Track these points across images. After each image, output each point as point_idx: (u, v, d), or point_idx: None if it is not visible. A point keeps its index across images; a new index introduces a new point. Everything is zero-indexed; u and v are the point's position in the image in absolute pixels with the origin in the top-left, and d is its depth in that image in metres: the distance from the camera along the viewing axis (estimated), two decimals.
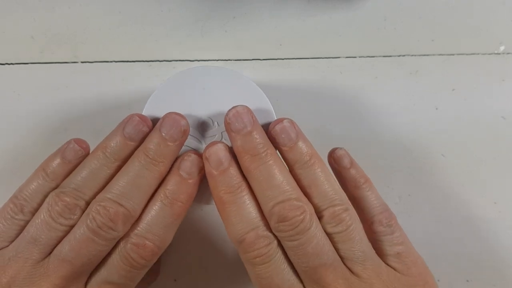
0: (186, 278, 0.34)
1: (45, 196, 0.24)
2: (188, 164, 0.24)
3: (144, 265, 0.24)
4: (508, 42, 0.34)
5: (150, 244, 0.23)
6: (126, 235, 0.23)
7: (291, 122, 0.25)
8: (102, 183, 0.24)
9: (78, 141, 0.25)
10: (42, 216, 0.23)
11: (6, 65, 0.33)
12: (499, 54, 0.34)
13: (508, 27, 0.34)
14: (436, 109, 0.34)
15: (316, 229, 0.23)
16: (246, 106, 0.25)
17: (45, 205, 0.23)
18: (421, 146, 0.34)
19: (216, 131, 0.26)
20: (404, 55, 0.34)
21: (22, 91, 0.33)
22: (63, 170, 0.25)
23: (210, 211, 0.34)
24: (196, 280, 0.34)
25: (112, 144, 0.24)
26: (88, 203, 0.24)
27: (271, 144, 0.25)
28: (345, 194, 0.25)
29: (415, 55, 0.34)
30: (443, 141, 0.34)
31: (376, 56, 0.34)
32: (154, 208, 0.24)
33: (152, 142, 0.24)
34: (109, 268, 0.23)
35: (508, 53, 0.34)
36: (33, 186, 0.24)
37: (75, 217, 0.23)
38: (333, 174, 0.26)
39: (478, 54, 0.34)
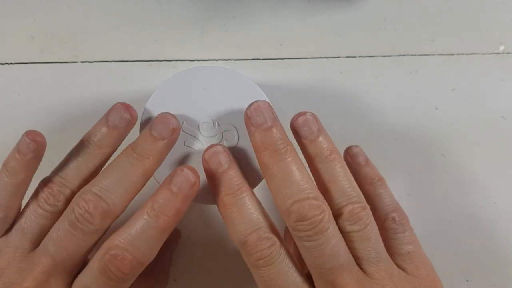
0: (186, 278, 0.34)
1: (12, 193, 0.23)
2: (181, 178, 0.23)
3: (122, 278, 0.22)
4: (508, 42, 0.34)
5: (129, 256, 0.22)
6: (107, 245, 0.23)
7: (314, 115, 0.25)
8: (87, 171, 0.24)
9: (31, 133, 0.24)
10: (30, 205, 0.24)
11: (6, 65, 0.33)
12: (499, 54, 0.34)
13: (508, 27, 0.34)
14: (436, 109, 0.34)
15: (334, 230, 0.23)
16: (267, 102, 0.24)
17: (34, 193, 0.24)
18: (421, 146, 0.34)
19: (216, 131, 0.26)
20: (404, 55, 0.34)
21: (22, 91, 0.33)
22: (19, 165, 0.23)
23: (210, 211, 0.34)
24: (196, 280, 0.34)
25: (97, 133, 0.24)
26: (73, 191, 0.24)
27: (290, 142, 0.24)
28: (361, 192, 0.25)
29: (415, 55, 0.34)
30: (443, 141, 0.34)
31: (376, 56, 0.34)
32: (139, 220, 0.23)
33: (140, 139, 0.24)
34: (89, 275, 0.23)
35: (508, 53, 0.34)
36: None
37: (59, 203, 0.23)
38: None
39: (478, 54, 0.34)
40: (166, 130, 0.24)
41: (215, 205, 0.25)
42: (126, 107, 0.25)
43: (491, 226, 0.34)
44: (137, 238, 0.22)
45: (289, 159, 0.23)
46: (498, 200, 0.34)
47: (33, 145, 0.23)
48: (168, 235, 0.23)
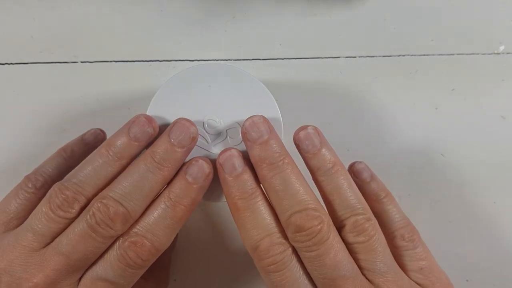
0: (186, 278, 0.34)
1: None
2: (195, 169, 0.24)
3: (141, 265, 0.23)
4: (508, 42, 0.34)
5: (148, 243, 0.23)
6: (125, 233, 0.23)
7: (315, 129, 0.25)
8: (104, 180, 0.24)
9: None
10: (43, 207, 0.23)
11: (6, 65, 0.33)
12: (499, 54, 0.34)
13: (508, 27, 0.34)
14: (436, 109, 0.34)
15: (334, 240, 0.23)
16: (262, 116, 0.25)
17: (47, 195, 0.24)
18: (421, 146, 0.34)
19: (221, 129, 0.26)
20: (404, 55, 0.34)
21: (22, 91, 0.33)
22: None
23: (210, 211, 0.34)
24: (196, 280, 0.34)
25: (117, 143, 0.24)
26: (88, 199, 0.24)
27: (288, 153, 0.24)
28: (367, 204, 0.24)
29: (415, 55, 0.34)
30: (443, 141, 0.34)
31: (376, 56, 0.34)
32: (157, 209, 0.24)
33: (160, 146, 0.24)
34: (105, 265, 0.23)
35: (508, 53, 0.34)
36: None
37: (73, 210, 0.23)
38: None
39: (478, 54, 0.34)
40: (186, 140, 0.24)
41: (216, 203, 0.25)
42: (149, 120, 0.25)
43: (491, 226, 0.34)
44: (155, 226, 0.23)
45: (287, 171, 0.23)
46: (498, 200, 0.34)
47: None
48: (183, 224, 0.24)
